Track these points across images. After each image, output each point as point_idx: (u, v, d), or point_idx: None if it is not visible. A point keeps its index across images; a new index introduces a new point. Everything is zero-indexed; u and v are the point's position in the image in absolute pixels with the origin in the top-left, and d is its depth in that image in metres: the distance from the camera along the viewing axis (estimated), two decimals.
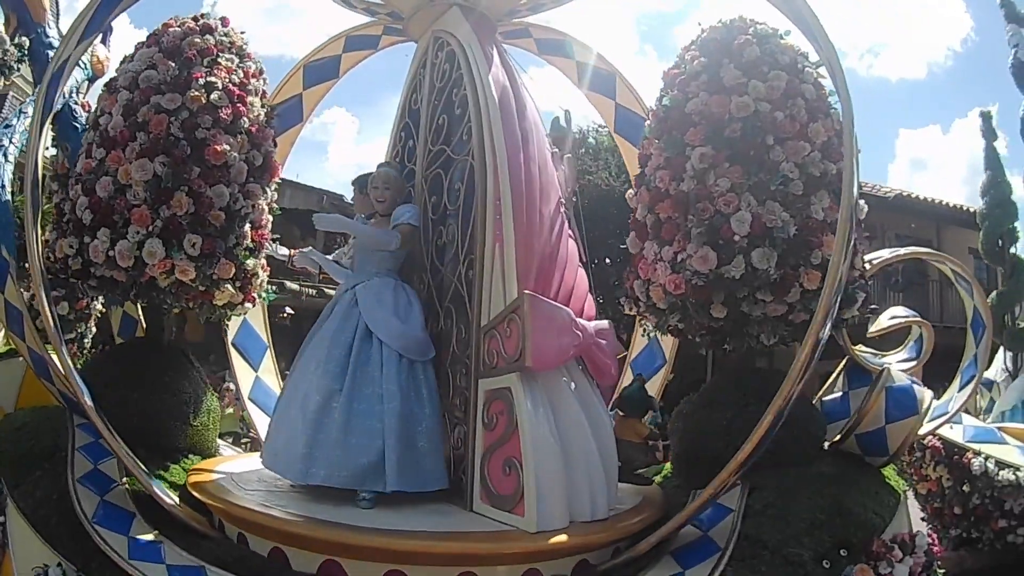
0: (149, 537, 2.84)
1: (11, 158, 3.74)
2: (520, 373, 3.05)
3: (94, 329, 4.85)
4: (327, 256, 4.13)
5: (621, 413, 4.02)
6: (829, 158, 3.54)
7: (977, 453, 4.18)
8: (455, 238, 3.71)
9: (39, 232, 3.06)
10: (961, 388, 4.25)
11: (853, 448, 3.60)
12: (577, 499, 3.08)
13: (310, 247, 4.27)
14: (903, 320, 4.23)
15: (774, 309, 3.46)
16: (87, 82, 4.49)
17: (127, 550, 2.73)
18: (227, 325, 4.55)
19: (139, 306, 4.20)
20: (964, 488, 4.15)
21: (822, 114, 3.62)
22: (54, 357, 3.48)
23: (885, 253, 4.28)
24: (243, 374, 4.76)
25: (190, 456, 3.66)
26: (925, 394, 3.53)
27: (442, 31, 4.10)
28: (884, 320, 4.26)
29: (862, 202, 4.06)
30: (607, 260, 12.67)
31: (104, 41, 4.61)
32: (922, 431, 4.12)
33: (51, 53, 3.95)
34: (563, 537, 2.84)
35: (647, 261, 3.69)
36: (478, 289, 3.44)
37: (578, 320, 3.36)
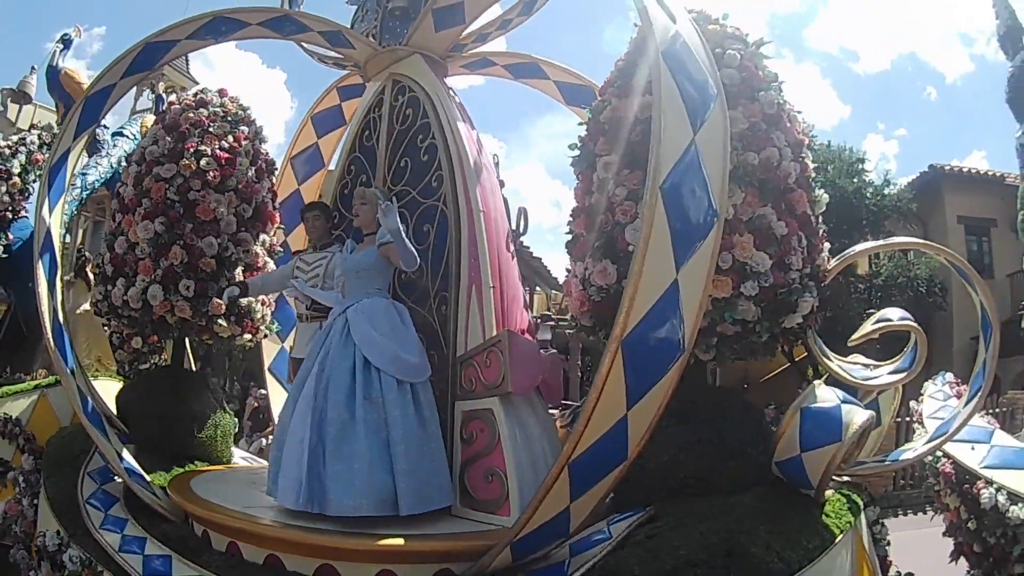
0: (120, 514, 3.53)
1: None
2: (500, 397, 3.47)
3: (169, 360, 5.81)
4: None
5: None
6: (751, 147, 3.28)
7: (989, 482, 3.53)
8: (424, 276, 4.03)
9: (58, 290, 3.80)
10: (968, 401, 3.65)
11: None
12: None
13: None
14: (890, 325, 3.76)
15: None
16: None
17: (101, 522, 3.46)
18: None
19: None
20: (970, 524, 3.55)
21: (745, 99, 3.36)
22: (97, 383, 4.39)
23: (860, 247, 3.85)
24: (276, 395, 5.48)
25: (196, 462, 4.33)
26: (855, 416, 3.00)
27: (402, 76, 4.45)
28: (868, 325, 3.83)
29: (821, 191, 3.72)
30: None
31: (157, 112, 5.58)
32: (910, 455, 3.67)
33: (97, 131, 4.93)
34: None
35: (568, 280, 3.73)
36: (452, 324, 3.82)
37: (541, 352, 3.80)
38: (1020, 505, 3.39)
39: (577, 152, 3.75)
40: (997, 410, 9.22)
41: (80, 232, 7.87)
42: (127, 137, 5.34)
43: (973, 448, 3.79)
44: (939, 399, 4.34)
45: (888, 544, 3.53)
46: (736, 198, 3.23)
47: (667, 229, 2.56)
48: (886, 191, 15.14)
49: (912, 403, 4.57)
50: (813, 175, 3.70)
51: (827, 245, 3.73)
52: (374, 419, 3.37)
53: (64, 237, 7.51)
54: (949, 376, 4.58)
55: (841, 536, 2.99)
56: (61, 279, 3.92)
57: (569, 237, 3.73)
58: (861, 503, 3.34)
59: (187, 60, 20.83)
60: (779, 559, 2.73)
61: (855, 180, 14.68)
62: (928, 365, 3.81)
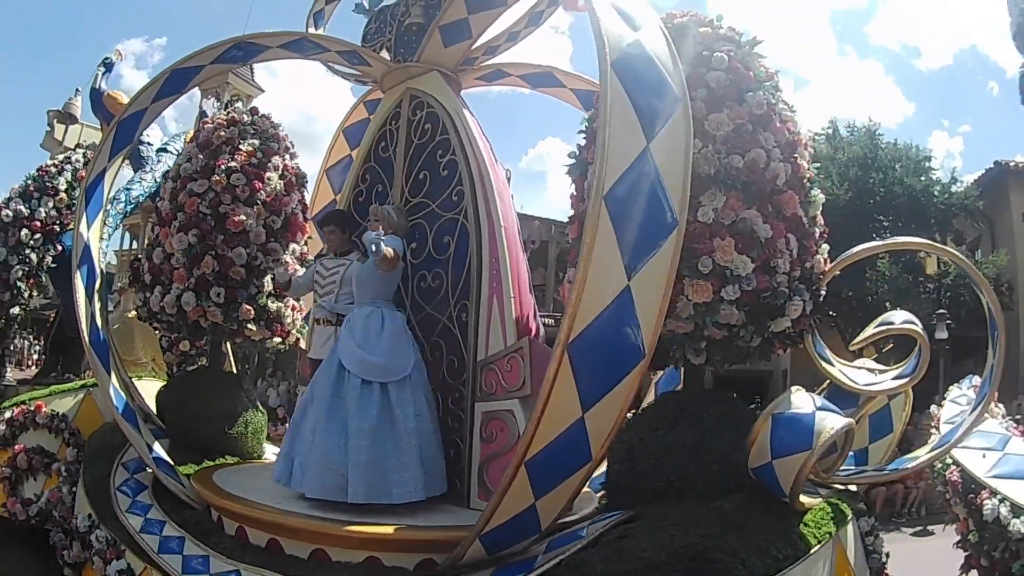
0: (146, 500, 3.89)
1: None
2: (520, 399, 3.70)
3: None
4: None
5: None
6: (735, 150, 3.25)
7: (993, 493, 3.38)
8: (444, 284, 4.24)
9: (96, 297, 4.22)
10: (974, 408, 3.52)
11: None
12: None
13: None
14: (892, 328, 3.67)
15: (677, 326, 3.27)
16: None
17: (128, 507, 3.83)
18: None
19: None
20: (971, 537, 3.41)
21: (732, 100, 3.34)
22: (139, 382, 4.79)
23: (857, 248, 3.76)
24: None
25: (226, 456, 4.66)
26: (828, 424, 2.94)
27: (420, 91, 4.62)
28: (870, 328, 3.75)
29: (817, 191, 3.65)
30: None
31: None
32: (912, 463, 3.57)
33: (142, 148, 5.33)
34: None
35: (564, 286, 3.81)
36: (473, 330, 4.03)
37: None
38: (1023, 518, 3.24)
39: (574, 160, 3.84)
40: None
41: (146, 240, 8.47)
42: (171, 152, 5.76)
43: (984, 455, 3.65)
44: (961, 404, 4.18)
45: (886, 556, 3.42)
46: (717, 201, 3.21)
47: (613, 237, 2.62)
48: (953, 189, 14.53)
49: (933, 407, 4.42)
50: (809, 175, 3.62)
51: (825, 247, 3.66)
52: (340, 416, 3.67)
53: (131, 244, 8.09)
54: (976, 380, 4.40)
55: (818, 547, 2.94)
56: (99, 288, 4.29)
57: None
58: (849, 513, 3.27)
59: (251, 69, 21.36)
60: (743, 567, 2.70)
61: (922, 179, 14.14)
62: None
